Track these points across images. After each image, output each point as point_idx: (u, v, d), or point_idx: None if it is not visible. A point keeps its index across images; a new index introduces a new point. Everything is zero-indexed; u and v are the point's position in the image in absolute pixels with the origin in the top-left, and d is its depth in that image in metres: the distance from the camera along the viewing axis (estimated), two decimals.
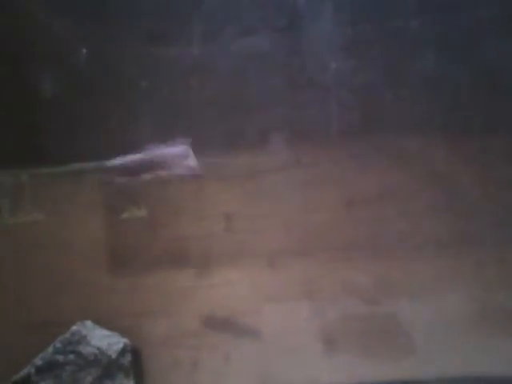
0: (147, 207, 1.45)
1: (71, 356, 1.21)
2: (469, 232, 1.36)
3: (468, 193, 1.38)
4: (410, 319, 1.35)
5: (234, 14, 1.42)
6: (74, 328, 1.28)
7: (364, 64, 1.40)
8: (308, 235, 1.40)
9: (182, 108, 1.44)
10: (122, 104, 1.45)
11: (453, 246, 1.36)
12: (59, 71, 1.47)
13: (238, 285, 1.41)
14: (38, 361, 1.20)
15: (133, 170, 1.48)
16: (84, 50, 1.44)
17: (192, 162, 1.46)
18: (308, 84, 1.41)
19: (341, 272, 1.38)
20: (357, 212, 1.39)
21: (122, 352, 1.27)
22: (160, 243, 1.43)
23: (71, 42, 1.45)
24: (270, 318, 1.39)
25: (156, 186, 1.45)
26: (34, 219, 1.48)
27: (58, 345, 1.23)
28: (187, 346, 1.39)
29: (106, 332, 1.31)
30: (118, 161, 1.47)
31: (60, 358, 1.21)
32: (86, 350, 1.23)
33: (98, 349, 1.25)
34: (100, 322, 1.36)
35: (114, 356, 1.25)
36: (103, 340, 1.27)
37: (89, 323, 1.32)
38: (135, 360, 1.32)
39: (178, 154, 1.48)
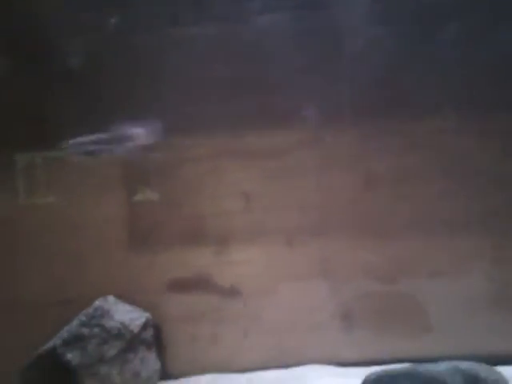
0: (165, 186, 1.47)
1: (96, 329, 1.24)
2: (485, 213, 1.38)
3: (485, 174, 1.39)
4: (427, 298, 1.37)
5: None
6: (97, 303, 1.31)
7: (385, 44, 1.41)
8: (325, 214, 1.42)
9: (200, 86, 1.45)
10: (140, 86, 1.47)
11: (469, 227, 1.38)
12: (74, 54, 1.49)
13: (255, 262, 1.43)
14: (64, 333, 1.23)
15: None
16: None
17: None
18: (330, 62, 1.41)
19: (357, 251, 1.41)
20: (374, 192, 1.41)
21: (144, 326, 1.30)
22: (178, 222, 1.45)
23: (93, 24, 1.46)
24: (287, 295, 1.42)
25: (173, 165, 1.46)
26: (48, 201, 1.51)
27: (83, 318, 1.26)
28: (206, 321, 1.42)
29: (128, 307, 1.34)
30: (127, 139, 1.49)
31: (85, 331, 1.23)
32: (109, 324, 1.26)
33: (121, 323, 1.27)
34: (121, 297, 1.39)
35: (136, 330, 1.28)
36: (126, 315, 1.30)
37: (111, 298, 1.34)
38: (156, 334, 1.35)
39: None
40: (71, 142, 1.48)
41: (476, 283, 1.37)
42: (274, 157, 1.43)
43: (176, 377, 1.38)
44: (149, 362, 1.30)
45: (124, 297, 1.39)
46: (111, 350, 1.23)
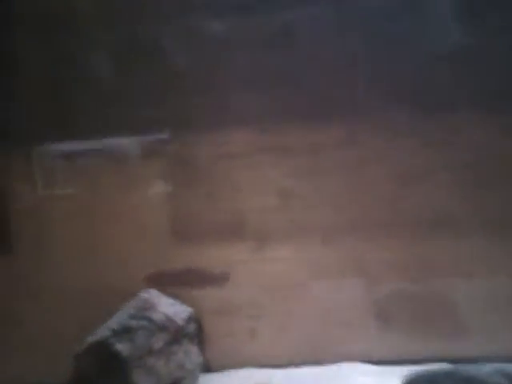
0: (201, 181, 1.49)
1: (143, 322, 1.27)
2: None
3: None
4: (460, 298, 1.41)
5: None
6: (144, 295, 1.33)
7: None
8: (359, 212, 1.45)
9: (236, 82, 1.47)
10: (158, 81, 1.49)
11: (503, 226, 1.40)
12: (98, 48, 1.51)
13: (291, 259, 1.47)
14: (113, 324, 1.26)
15: None
16: None
17: None
18: (366, 63, 1.43)
19: (391, 249, 1.44)
20: (407, 191, 1.43)
21: (188, 320, 1.34)
22: (218, 217, 1.48)
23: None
24: (322, 292, 1.46)
25: (214, 161, 1.49)
26: (67, 192, 1.53)
27: (131, 311, 1.29)
28: (244, 315, 1.46)
29: (170, 300, 1.37)
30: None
31: (133, 323, 1.26)
32: (155, 316, 1.29)
33: (166, 316, 1.31)
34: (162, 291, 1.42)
35: (180, 323, 1.32)
36: (170, 308, 1.33)
37: (154, 291, 1.37)
38: (197, 327, 1.38)
39: None
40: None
41: (510, 283, 1.40)
42: (311, 154, 1.46)
43: (214, 370, 1.42)
44: (192, 354, 1.33)
45: (163, 290, 1.43)
46: (158, 342, 1.26)
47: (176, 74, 1.49)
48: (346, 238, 1.45)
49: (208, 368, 1.42)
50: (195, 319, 1.38)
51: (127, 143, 1.52)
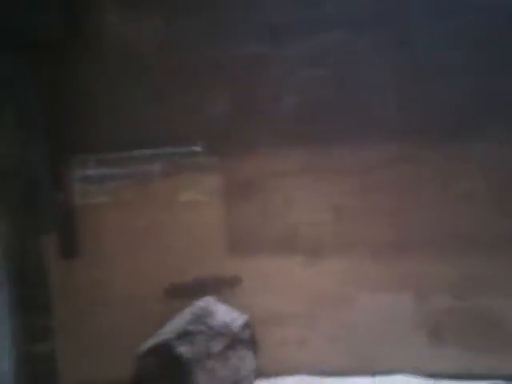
0: (256, 197, 1.55)
1: (202, 327, 1.33)
2: None
3: None
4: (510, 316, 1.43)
5: None
6: (201, 303, 1.39)
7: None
8: (411, 229, 1.49)
9: (291, 100, 1.53)
10: (187, 95, 1.54)
11: None
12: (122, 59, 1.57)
13: (342, 273, 1.51)
14: (175, 328, 1.32)
15: None
16: None
17: None
18: (414, 76, 1.47)
19: (440, 266, 1.47)
20: (461, 210, 1.47)
21: (244, 327, 1.39)
22: (272, 230, 1.54)
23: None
24: (372, 305, 1.50)
25: (269, 177, 1.55)
26: (99, 201, 1.59)
27: (190, 317, 1.35)
28: (295, 325, 1.51)
29: (226, 308, 1.43)
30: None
31: (193, 328, 1.32)
32: (213, 322, 1.35)
33: (224, 322, 1.36)
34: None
35: (236, 330, 1.37)
36: (226, 315, 1.39)
37: (210, 299, 1.43)
38: (252, 334, 1.43)
39: None
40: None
41: None
42: (363, 172, 1.51)
43: (265, 376, 1.46)
44: (246, 360, 1.38)
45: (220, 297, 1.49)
46: (216, 347, 1.32)
47: None
48: (396, 254, 1.50)
49: (260, 374, 1.46)
50: (250, 326, 1.43)
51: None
